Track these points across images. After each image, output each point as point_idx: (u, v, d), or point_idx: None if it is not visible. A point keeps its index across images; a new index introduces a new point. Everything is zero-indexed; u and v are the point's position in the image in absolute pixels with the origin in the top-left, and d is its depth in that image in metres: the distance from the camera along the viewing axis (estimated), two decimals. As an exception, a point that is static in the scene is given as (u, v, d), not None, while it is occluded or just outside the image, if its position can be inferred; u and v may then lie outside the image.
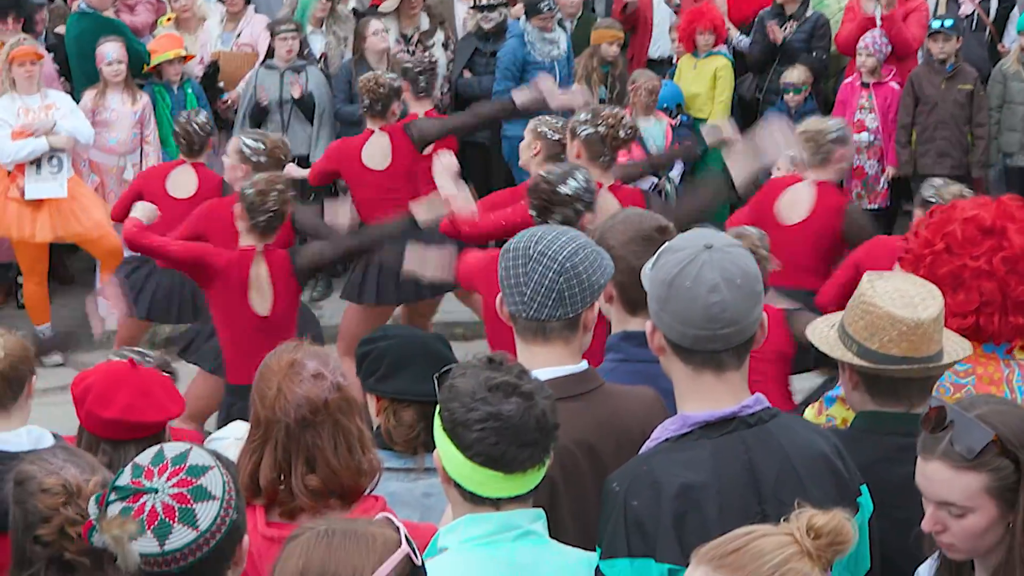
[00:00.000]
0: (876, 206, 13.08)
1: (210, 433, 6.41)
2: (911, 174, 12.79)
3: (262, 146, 9.19)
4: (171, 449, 3.65)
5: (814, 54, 13.31)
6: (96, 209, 11.97)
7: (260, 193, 7.92)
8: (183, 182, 10.28)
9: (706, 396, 3.78)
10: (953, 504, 3.72)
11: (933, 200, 7.29)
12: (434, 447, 3.76)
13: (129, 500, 3.48)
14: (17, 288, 12.85)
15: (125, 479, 3.56)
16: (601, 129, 7.88)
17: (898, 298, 4.34)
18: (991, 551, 3.74)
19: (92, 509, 3.59)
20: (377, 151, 10.27)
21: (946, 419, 3.74)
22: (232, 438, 4.99)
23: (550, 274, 4.22)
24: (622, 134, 7.94)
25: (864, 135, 12.86)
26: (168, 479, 3.51)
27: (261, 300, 8.12)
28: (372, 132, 10.31)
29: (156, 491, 3.49)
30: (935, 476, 3.74)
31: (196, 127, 10.36)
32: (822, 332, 4.52)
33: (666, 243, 3.88)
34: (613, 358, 4.89)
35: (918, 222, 5.21)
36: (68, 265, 13.46)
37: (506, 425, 3.58)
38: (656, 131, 12.50)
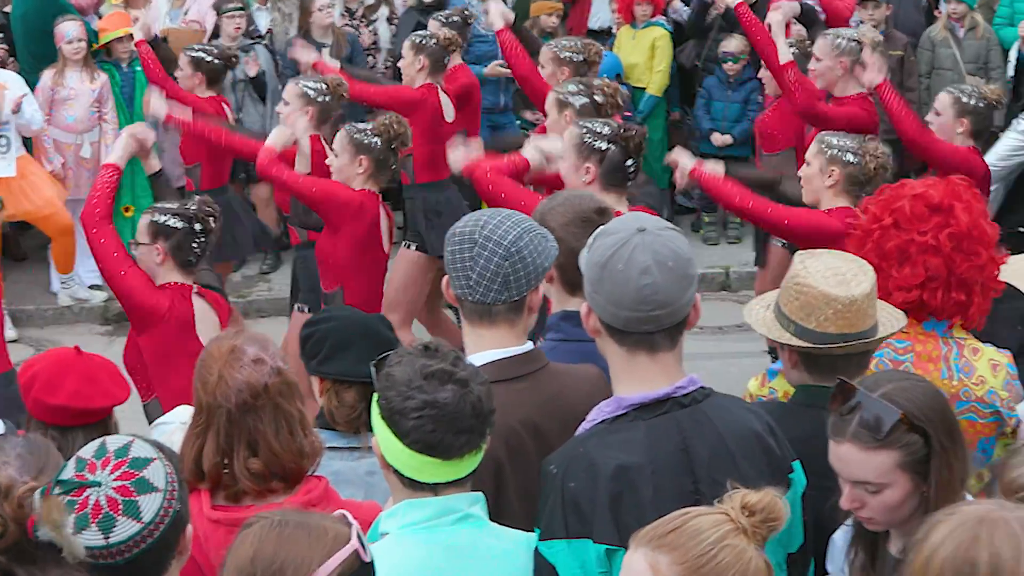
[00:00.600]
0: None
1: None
2: (842, 137, 12.77)
3: (324, 85, 9.26)
4: (113, 442, 3.63)
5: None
6: (46, 187, 11.94)
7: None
8: None
9: (641, 378, 3.78)
10: (868, 482, 3.77)
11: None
12: None
13: (73, 494, 3.46)
14: (-30, 267, 12.74)
15: (69, 473, 3.53)
16: (597, 98, 7.90)
17: (831, 276, 4.36)
18: (907, 520, 3.77)
19: (36, 504, 3.57)
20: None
21: (853, 400, 3.78)
22: (177, 423, 4.96)
23: (495, 259, 4.21)
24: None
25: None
26: (111, 472, 3.49)
27: (386, 241, 8.40)
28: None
29: (99, 484, 3.47)
30: (848, 457, 3.79)
31: None
32: (758, 313, 4.54)
33: (601, 226, 3.87)
34: (553, 337, 4.89)
35: (867, 200, 5.20)
36: (20, 243, 13.36)
37: (442, 412, 3.59)
38: None
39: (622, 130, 6.91)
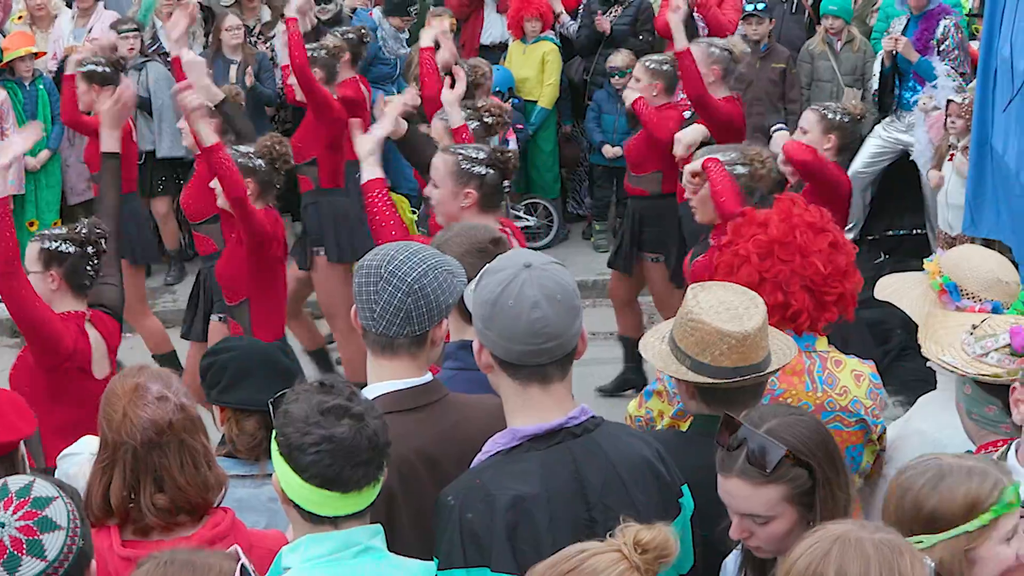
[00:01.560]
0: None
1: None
2: (728, 147, 12.88)
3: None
4: (15, 482, 3.61)
5: (640, 37, 13.32)
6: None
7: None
8: None
9: (534, 409, 3.80)
10: (756, 515, 3.79)
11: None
12: None
13: None
14: None
15: None
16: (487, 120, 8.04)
17: (724, 311, 4.37)
18: None
19: None
20: None
21: (739, 436, 3.80)
22: (87, 453, 4.90)
23: (399, 294, 4.18)
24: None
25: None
26: (14, 512, 3.47)
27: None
28: None
29: (3, 525, 3.44)
30: (736, 492, 3.82)
31: None
32: (654, 347, 4.54)
33: (484, 270, 3.88)
34: (451, 366, 4.88)
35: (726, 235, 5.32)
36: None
37: (339, 447, 3.58)
38: None
39: (498, 153, 6.93)
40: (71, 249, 6.69)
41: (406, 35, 13.13)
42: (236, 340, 5.65)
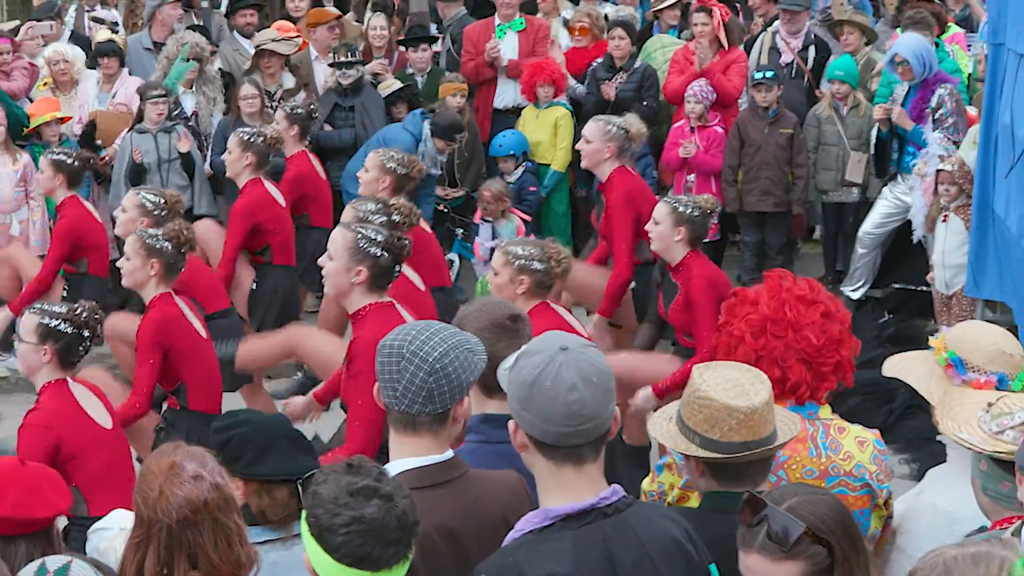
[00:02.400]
0: (706, 239, 13.17)
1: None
2: (738, 210, 12.90)
3: (162, 200, 9.31)
4: (53, 562, 3.62)
5: (644, 103, 13.33)
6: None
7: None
8: None
9: (567, 489, 3.78)
10: None
11: None
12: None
13: None
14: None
15: None
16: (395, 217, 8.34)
17: (731, 388, 4.36)
18: None
19: None
20: None
21: (760, 513, 3.77)
22: (116, 528, 4.89)
23: (420, 374, 4.16)
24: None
25: (693, 176, 12.96)
26: None
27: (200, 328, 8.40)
28: None
29: None
30: (756, 567, 3.79)
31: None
32: (662, 427, 4.52)
33: (523, 349, 3.87)
34: (473, 439, 4.83)
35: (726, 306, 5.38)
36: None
37: (369, 527, 3.57)
38: (508, 230, 12.39)
39: (395, 239, 6.93)
40: (68, 330, 6.81)
41: (444, 158, 13.11)
42: (244, 413, 5.52)
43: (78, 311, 6.86)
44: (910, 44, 11.97)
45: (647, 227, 8.48)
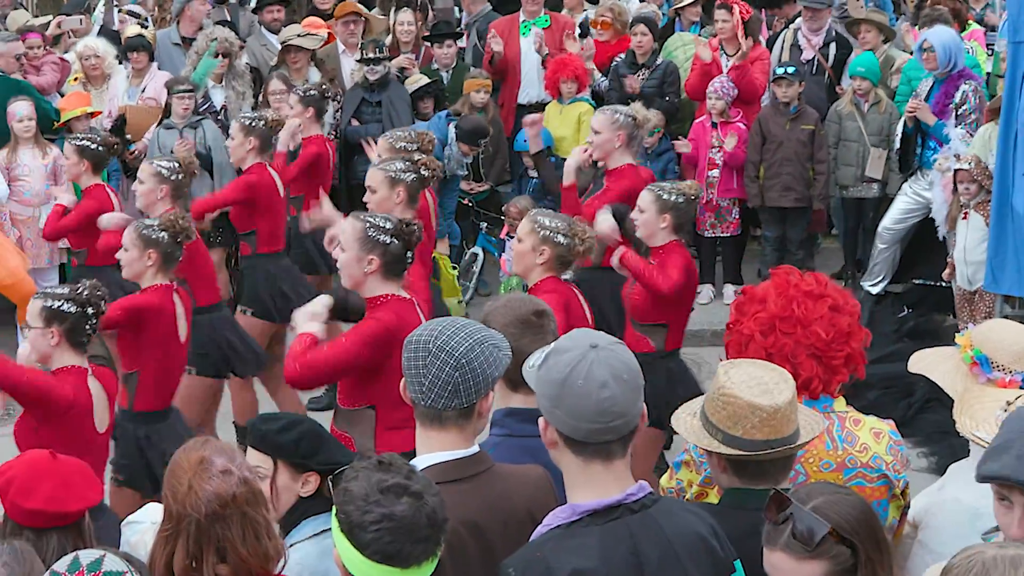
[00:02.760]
0: (728, 234, 13.22)
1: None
2: (759, 205, 12.90)
3: (176, 164, 9.34)
4: (86, 556, 3.63)
5: (666, 99, 13.33)
6: (12, 257, 11.76)
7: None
8: None
9: (595, 485, 3.79)
10: None
11: None
12: None
13: None
14: (-59, 332, 12.61)
15: None
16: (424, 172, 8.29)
17: (755, 386, 4.34)
18: None
19: None
20: None
21: (786, 511, 3.77)
22: (148, 522, 4.90)
23: (447, 368, 4.17)
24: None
25: (715, 171, 12.96)
26: None
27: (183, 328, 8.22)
28: None
29: None
30: (780, 565, 3.79)
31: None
32: (685, 422, 4.51)
33: (551, 347, 3.86)
34: (498, 433, 4.86)
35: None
36: (-12, 306, 13.22)
37: (399, 525, 3.58)
38: None
39: (403, 225, 6.83)
40: (72, 309, 6.78)
41: (470, 159, 13.13)
42: (283, 413, 5.45)
43: (79, 290, 6.85)
44: (940, 34, 11.97)
45: (632, 215, 8.40)
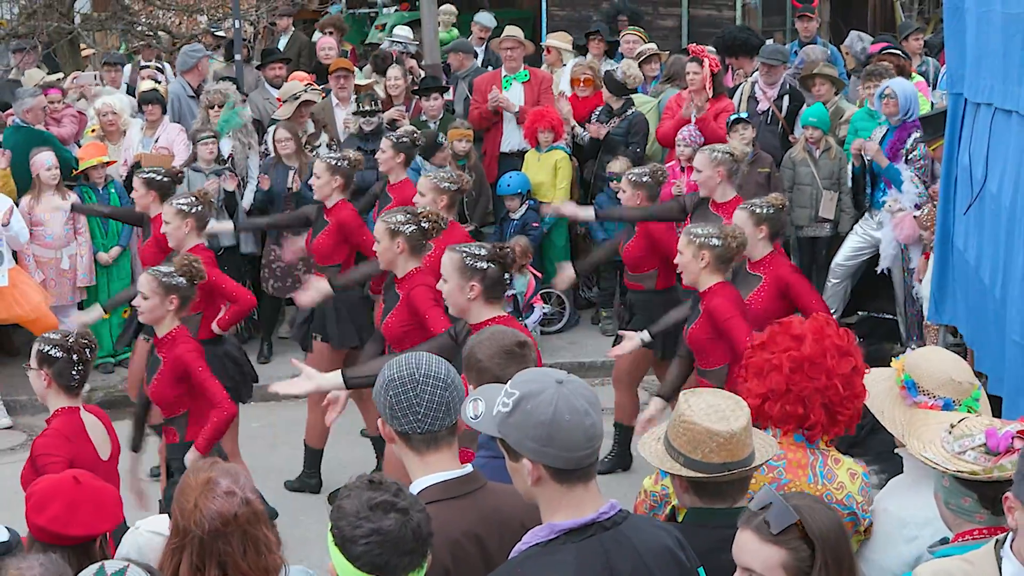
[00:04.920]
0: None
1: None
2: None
3: (194, 199, 9.38)
4: (111, 566, 3.63)
5: (630, 147, 13.42)
6: (35, 294, 11.87)
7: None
8: None
9: (574, 506, 3.79)
10: (753, 571, 3.76)
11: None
12: None
13: None
14: (-30, 362, 12.62)
15: None
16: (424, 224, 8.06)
17: (712, 413, 4.38)
18: None
19: None
20: None
21: (767, 500, 3.77)
22: (144, 530, 4.93)
23: (438, 391, 4.19)
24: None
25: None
26: None
27: None
28: None
29: None
30: (744, 544, 3.80)
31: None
32: (650, 446, 4.54)
33: (518, 394, 3.80)
34: (485, 455, 4.86)
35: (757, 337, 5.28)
36: (13, 339, 13.21)
37: (387, 538, 3.60)
38: (521, 283, 12.48)
39: (497, 250, 6.86)
40: (59, 354, 6.66)
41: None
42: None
43: (67, 337, 6.75)
44: (902, 84, 12.06)
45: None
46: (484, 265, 6.72)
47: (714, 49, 13.63)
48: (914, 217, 11.19)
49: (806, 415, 4.94)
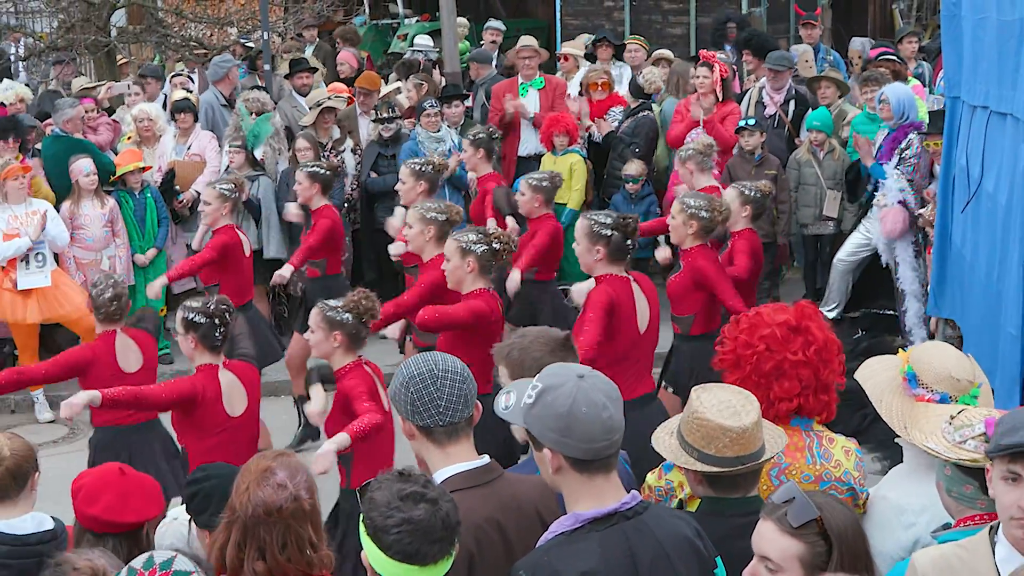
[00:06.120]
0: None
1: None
2: (729, 241, 12.95)
3: (232, 185, 10.23)
4: (160, 555, 3.69)
5: (630, 147, 13.52)
6: (76, 295, 11.90)
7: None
8: None
9: (596, 496, 3.84)
10: (770, 560, 3.76)
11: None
12: None
13: None
14: (13, 360, 12.59)
15: None
16: (495, 245, 7.90)
17: (725, 409, 4.40)
18: None
19: None
20: None
21: (791, 494, 3.79)
22: (170, 518, 4.97)
23: (456, 384, 4.22)
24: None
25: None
26: None
27: None
28: None
29: None
30: (764, 533, 3.80)
31: None
32: (663, 441, 4.54)
33: (541, 386, 3.87)
34: None
35: (727, 329, 5.26)
36: (56, 338, 13.26)
37: (418, 527, 3.61)
38: None
39: (621, 219, 7.60)
40: (202, 320, 7.19)
41: (443, 133, 13.44)
42: (215, 467, 5.26)
43: (208, 304, 7.28)
44: (897, 89, 12.03)
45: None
46: (608, 232, 7.50)
47: (731, 47, 13.64)
48: (915, 215, 11.17)
49: (831, 399, 5.02)
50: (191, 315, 7.18)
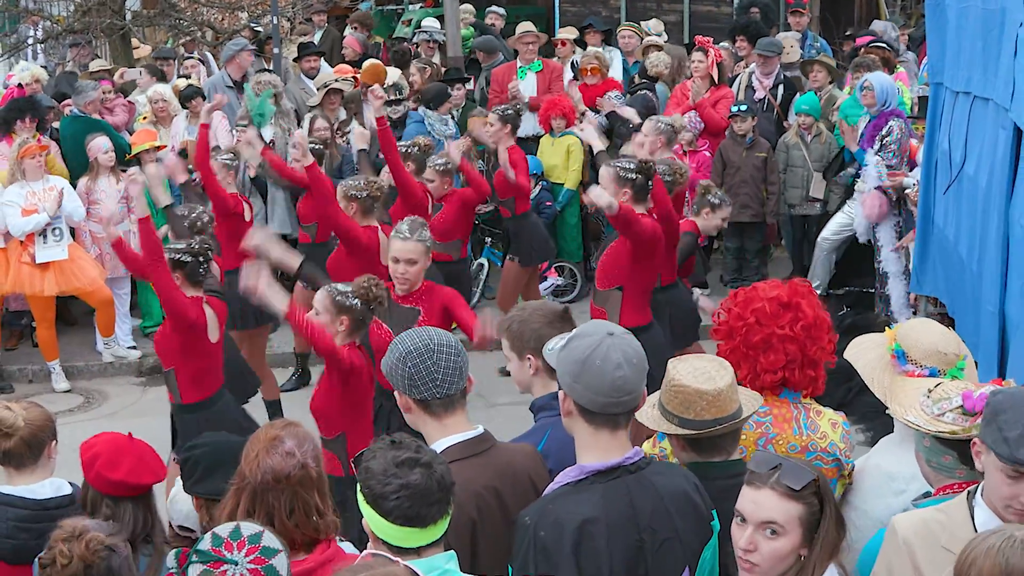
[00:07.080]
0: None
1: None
2: (721, 221, 12.95)
3: (233, 154, 10.85)
4: (247, 528, 3.73)
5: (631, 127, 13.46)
6: (91, 268, 11.95)
7: None
8: None
9: (601, 449, 3.89)
10: (774, 522, 3.70)
11: None
12: None
13: (211, 564, 3.49)
14: (31, 331, 12.65)
15: (206, 545, 3.61)
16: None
17: (700, 375, 4.41)
18: None
19: (171, 563, 3.63)
20: None
21: (774, 461, 3.79)
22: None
23: (452, 355, 4.25)
24: None
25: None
26: (247, 555, 3.60)
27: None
28: None
29: (236, 563, 3.56)
30: (763, 501, 3.73)
31: None
32: (646, 412, 4.51)
33: (573, 333, 3.98)
34: (548, 415, 4.84)
35: (724, 302, 5.26)
36: (71, 310, 13.28)
37: (415, 491, 3.62)
38: None
39: (643, 163, 8.07)
40: (188, 259, 7.83)
41: (446, 117, 13.46)
42: (211, 436, 5.21)
43: (192, 244, 7.93)
44: (880, 78, 12.04)
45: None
46: (633, 176, 8.12)
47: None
48: (885, 196, 11.17)
49: (817, 375, 5.00)
50: (177, 255, 7.80)
